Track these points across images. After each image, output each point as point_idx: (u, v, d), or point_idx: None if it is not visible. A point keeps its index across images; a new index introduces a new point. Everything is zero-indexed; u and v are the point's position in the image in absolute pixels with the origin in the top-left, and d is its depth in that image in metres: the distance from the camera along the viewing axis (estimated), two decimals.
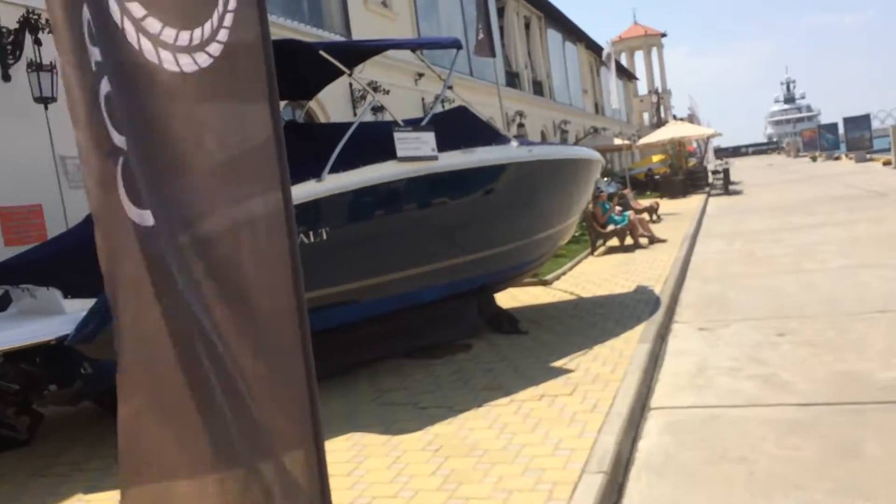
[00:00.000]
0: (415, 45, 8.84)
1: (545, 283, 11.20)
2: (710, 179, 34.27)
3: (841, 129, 54.72)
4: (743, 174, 44.05)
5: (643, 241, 14.76)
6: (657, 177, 31.34)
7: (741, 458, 4.50)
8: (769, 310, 8.32)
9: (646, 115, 65.38)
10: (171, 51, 2.46)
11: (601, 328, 7.86)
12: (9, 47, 8.31)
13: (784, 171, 43.85)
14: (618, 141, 35.37)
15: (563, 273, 12.15)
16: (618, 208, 15.60)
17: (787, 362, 6.27)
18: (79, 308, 5.33)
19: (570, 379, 6.10)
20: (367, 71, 13.98)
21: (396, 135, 6.88)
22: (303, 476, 2.46)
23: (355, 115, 14.44)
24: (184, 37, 2.47)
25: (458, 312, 8.02)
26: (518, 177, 7.94)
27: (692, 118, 45.78)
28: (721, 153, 77.40)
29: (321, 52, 6.84)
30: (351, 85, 14.64)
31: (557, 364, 6.60)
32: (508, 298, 9.91)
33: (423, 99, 18.17)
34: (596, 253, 14.48)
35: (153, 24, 2.47)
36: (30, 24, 8.21)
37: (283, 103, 10.89)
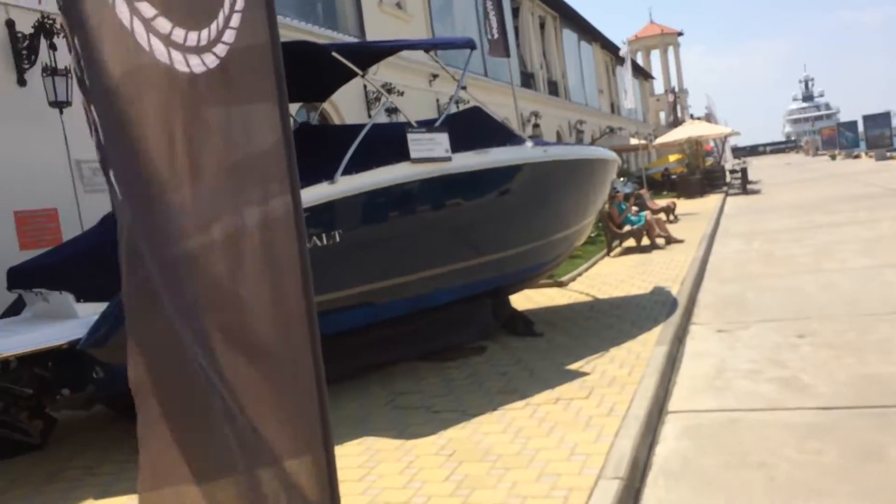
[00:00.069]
0: (428, 46, 8.79)
1: (561, 285, 11.11)
2: (728, 179, 34.05)
3: (860, 127, 54.30)
4: (761, 173, 43.73)
5: (660, 241, 14.65)
6: (674, 176, 31.15)
7: (761, 463, 4.41)
8: (789, 311, 8.20)
9: (662, 115, 65.11)
10: (182, 51, 2.45)
11: (617, 330, 7.77)
12: (24, 52, 8.36)
13: (802, 169, 43.49)
14: (634, 141, 35.21)
15: (579, 274, 12.06)
16: (634, 208, 15.48)
17: (808, 364, 6.16)
18: (91, 312, 5.34)
19: (586, 382, 6.03)
20: (382, 72, 13.97)
21: (410, 136, 6.83)
22: (311, 482, 2.43)
23: (370, 116, 14.42)
24: (192, 37, 2.45)
25: (473, 315, 7.95)
26: (533, 177, 7.87)
27: (709, 117, 45.52)
28: (739, 152, 77.03)
29: (333, 54, 6.80)
30: (365, 87, 14.62)
31: (573, 367, 6.53)
32: (523, 300, 9.85)
33: (437, 100, 18.14)
34: (612, 254, 14.37)
35: (164, 25, 2.46)
36: (45, 28, 8.25)
37: (296, 105, 10.90)
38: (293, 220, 2.39)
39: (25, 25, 8.33)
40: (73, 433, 6.36)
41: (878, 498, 3.83)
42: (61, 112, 8.25)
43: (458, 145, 7.09)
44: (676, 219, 19.21)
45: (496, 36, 14.22)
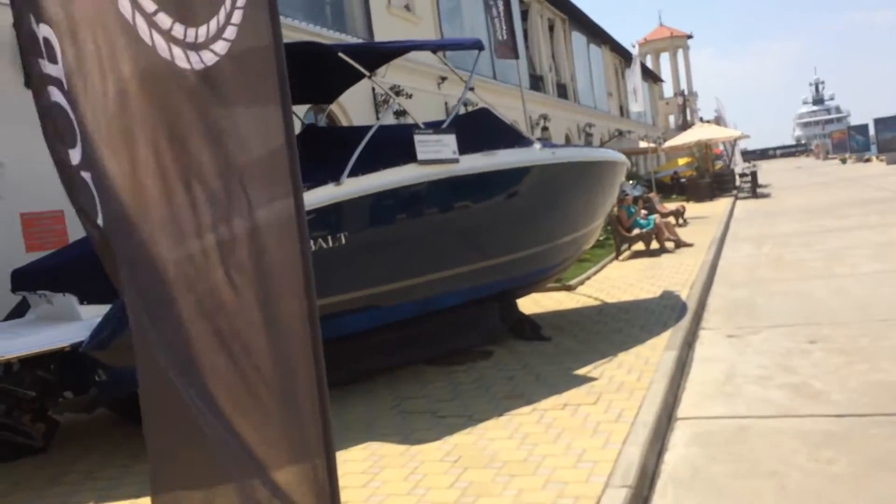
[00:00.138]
0: (435, 46, 8.74)
1: (569, 289, 11.03)
2: (738, 182, 33.89)
3: (871, 131, 53.99)
4: (771, 177, 43.53)
5: (669, 245, 14.55)
6: (683, 180, 31.03)
7: (772, 471, 4.32)
8: (799, 316, 8.11)
9: (671, 118, 64.95)
10: (183, 47, 2.44)
11: (626, 335, 7.69)
12: None
13: (813, 173, 43.29)
14: (643, 144, 35.08)
15: (588, 278, 11.98)
16: (643, 212, 15.40)
17: (820, 371, 6.07)
18: (94, 314, 5.30)
19: (594, 387, 5.95)
20: (390, 75, 13.88)
21: (417, 137, 6.77)
22: (312, 487, 2.38)
23: (378, 119, 14.38)
24: (191, 33, 2.43)
25: (480, 318, 7.89)
26: (541, 179, 7.79)
27: (719, 120, 45.31)
28: (748, 156, 76.77)
29: (340, 55, 6.75)
30: (374, 89, 14.57)
31: (581, 372, 6.45)
32: (531, 304, 9.77)
33: (446, 103, 18.08)
34: (621, 257, 14.28)
35: (164, 20, 2.45)
36: None
37: (304, 107, 10.85)
38: (295, 223, 2.35)
39: None
40: (76, 436, 6.32)
41: None
42: None
43: (465, 147, 7.02)
44: (686, 222, 19.10)
45: (505, 38, 14.15)
